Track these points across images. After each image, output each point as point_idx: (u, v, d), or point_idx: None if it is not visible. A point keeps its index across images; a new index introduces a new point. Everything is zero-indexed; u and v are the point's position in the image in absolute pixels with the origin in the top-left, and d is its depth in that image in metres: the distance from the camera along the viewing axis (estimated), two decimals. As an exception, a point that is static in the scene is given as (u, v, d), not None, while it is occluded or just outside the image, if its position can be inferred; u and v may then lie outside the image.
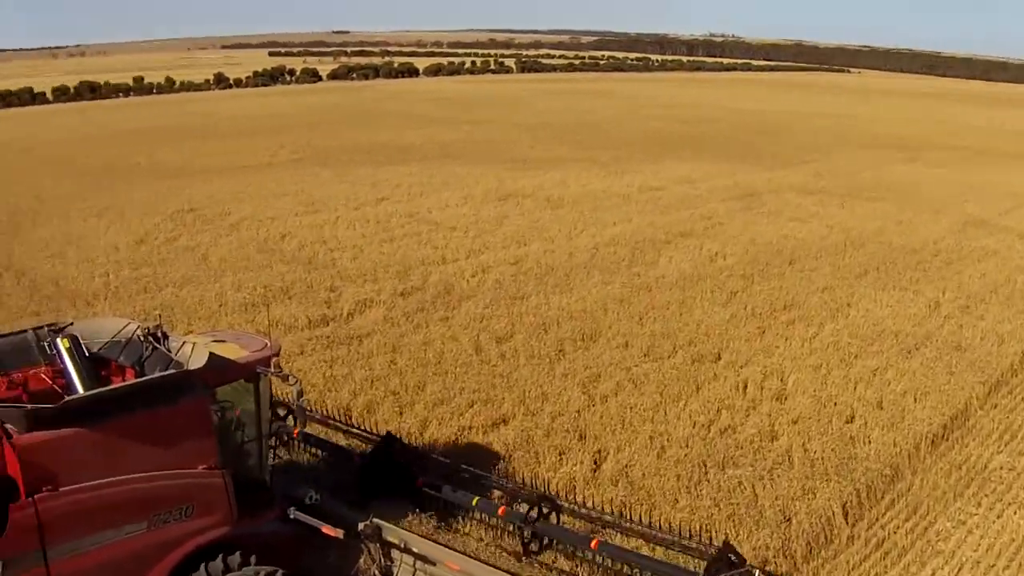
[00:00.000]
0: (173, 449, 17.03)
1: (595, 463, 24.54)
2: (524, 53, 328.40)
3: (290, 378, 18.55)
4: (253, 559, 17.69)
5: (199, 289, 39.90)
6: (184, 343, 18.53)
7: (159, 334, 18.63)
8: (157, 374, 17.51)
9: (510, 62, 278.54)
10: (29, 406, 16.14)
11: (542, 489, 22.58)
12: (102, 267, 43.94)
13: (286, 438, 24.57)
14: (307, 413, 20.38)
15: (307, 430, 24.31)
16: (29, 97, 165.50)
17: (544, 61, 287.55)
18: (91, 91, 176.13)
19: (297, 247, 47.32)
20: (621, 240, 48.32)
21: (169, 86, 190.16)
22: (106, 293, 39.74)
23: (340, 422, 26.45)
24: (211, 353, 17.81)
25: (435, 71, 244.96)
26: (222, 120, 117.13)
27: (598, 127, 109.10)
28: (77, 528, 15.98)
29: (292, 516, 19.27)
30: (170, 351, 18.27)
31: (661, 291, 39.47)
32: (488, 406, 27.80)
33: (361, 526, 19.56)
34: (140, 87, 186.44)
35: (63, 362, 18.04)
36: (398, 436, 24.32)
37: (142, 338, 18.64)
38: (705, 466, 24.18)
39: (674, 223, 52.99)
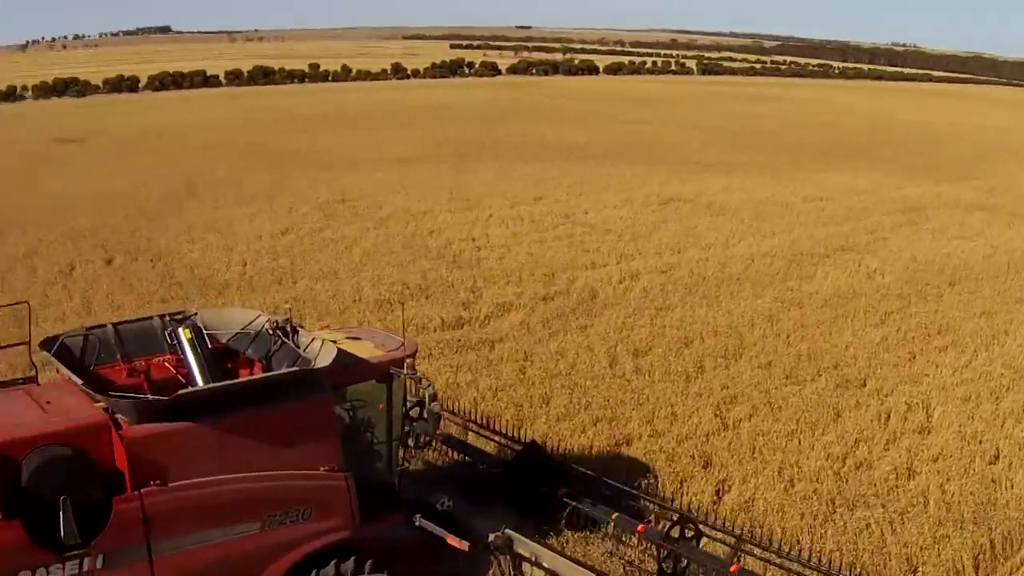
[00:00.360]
0: (293, 449, 16.50)
1: (717, 493, 22.98)
2: (705, 55, 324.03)
3: (423, 381, 17.91)
4: (368, 565, 16.93)
5: (335, 283, 39.22)
6: (314, 339, 17.99)
7: (288, 328, 18.22)
8: (278, 371, 17.26)
9: (690, 63, 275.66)
10: (140, 397, 15.95)
11: (684, 508, 21.24)
12: (240, 256, 43.86)
13: (425, 440, 23.62)
14: (440, 417, 19.19)
15: (450, 432, 23.92)
16: (201, 80, 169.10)
17: (724, 64, 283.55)
18: (264, 76, 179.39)
19: (444, 244, 46.46)
20: (778, 252, 46.26)
21: (345, 74, 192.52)
22: (239, 283, 39.44)
23: (483, 426, 25.25)
24: (339, 351, 17.21)
25: (615, 70, 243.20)
26: (391, 110, 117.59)
27: (770, 132, 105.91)
28: (185, 525, 15.53)
29: (417, 523, 18.46)
30: (298, 346, 17.91)
31: (812, 308, 37.39)
32: (612, 424, 26.23)
33: (492, 537, 18.75)
34: (315, 74, 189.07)
35: (183, 353, 17.73)
36: (541, 444, 23.43)
37: (271, 331, 18.28)
38: (834, 504, 22.35)
39: (835, 236, 50.53)
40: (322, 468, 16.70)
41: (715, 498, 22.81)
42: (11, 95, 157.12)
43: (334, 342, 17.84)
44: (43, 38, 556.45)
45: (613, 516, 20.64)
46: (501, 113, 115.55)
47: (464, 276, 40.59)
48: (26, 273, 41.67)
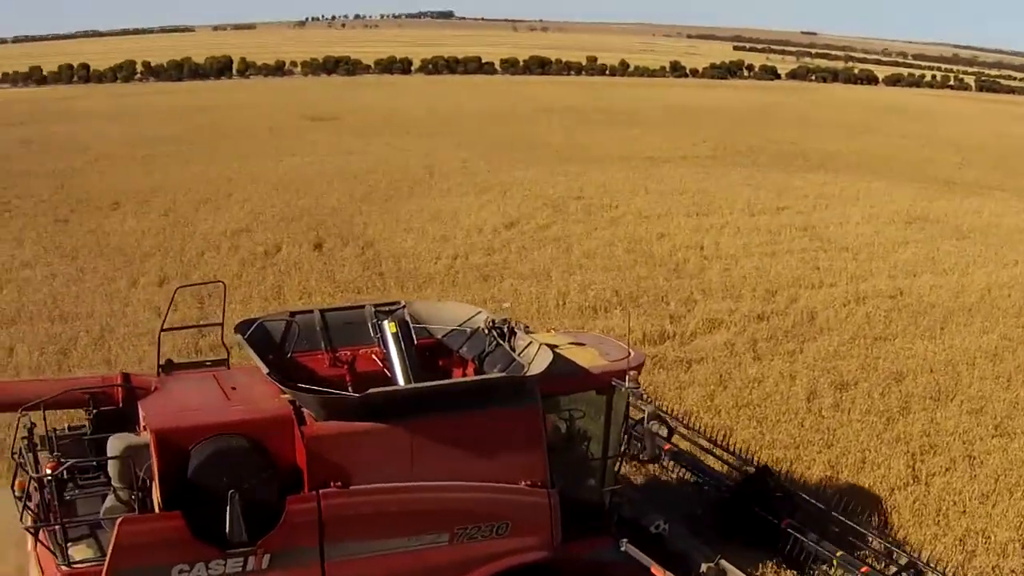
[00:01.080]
0: (493, 459, 15.59)
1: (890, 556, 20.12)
2: (985, 72, 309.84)
3: (643, 397, 17.04)
4: None
5: (543, 285, 37.50)
6: (531, 343, 16.92)
7: (506, 329, 17.35)
8: (480, 376, 16.69)
9: (968, 79, 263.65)
10: (328, 392, 15.26)
11: (916, 554, 19.28)
12: (453, 248, 42.49)
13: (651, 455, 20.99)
14: (655, 437, 17.71)
15: (680, 449, 22.54)
16: (476, 67, 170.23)
17: (1003, 82, 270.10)
18: (540, 66, 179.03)
19: (669, 250, 44.14)
20: (1017, 283, 42.11)
21: (623, 69, 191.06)
22: (442, 277, 38.19)
23: (717, 444, 23.47)
24: (555, 358, 16.16)
25: (894, 81, 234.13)
26: (653, 108, 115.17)
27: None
28: (364, 531, 14.88)
29: (623, 548, 16.92)
30: (513, 349, 17.02)
31: (1042, 351, 33.72)
32: (792, 466, 23.80)
33: (704, 568, 17.44)
34: (592, 67, 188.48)
35: (386, 347, 17.24)
36: (774, 470, 21.89)
37: (487, 331, 17.47)
38: (1016, 584, 19.51)
39: (1088, 273, 45.93)
40: (524, 482, 15.69)
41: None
42: (279, 70, 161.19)
43: (555, 347, 16.81)
44: (323, 16, 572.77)
45: (838, 554, 18.72)
46: (766, 117, 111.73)
47: (681, 287, 38.36)
48: (228, 252, 41.50)
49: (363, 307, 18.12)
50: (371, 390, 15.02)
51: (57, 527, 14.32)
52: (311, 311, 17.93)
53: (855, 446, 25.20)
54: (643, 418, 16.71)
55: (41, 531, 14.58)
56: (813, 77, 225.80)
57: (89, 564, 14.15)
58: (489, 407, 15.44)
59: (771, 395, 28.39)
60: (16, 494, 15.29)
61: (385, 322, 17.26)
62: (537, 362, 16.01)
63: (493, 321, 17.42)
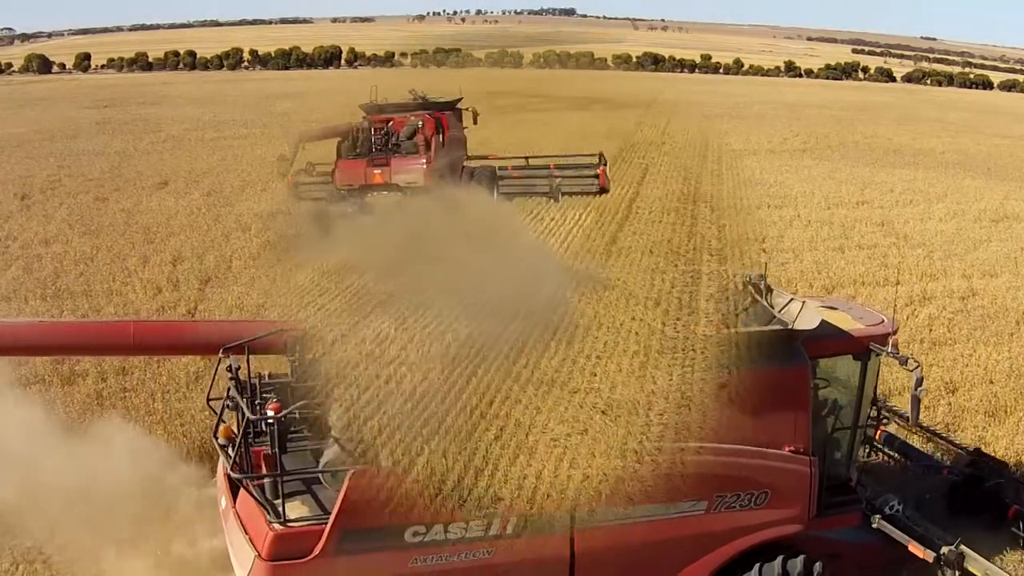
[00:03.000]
0: (760, 421, 14.18)
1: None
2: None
3: (909, 362, 15.01)
4: (817, 568, 14.40)
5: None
6: (792, 300, 16.27)
7: (762, 286, 16.52)
8: (754, 327, 15.06)
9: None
10: None
11: None
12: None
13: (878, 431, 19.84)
14: (920, 403, 15.93)
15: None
16: (587, 61, 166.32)
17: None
18: (653, 63, 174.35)
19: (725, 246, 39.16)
20: (1098, 289, 36.24)
21: (736, 68, 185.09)
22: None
23: (926, 430, 21.30)
24: (823, 319, 15.04)
25: (1009, 86, 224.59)
26: (754, 103, 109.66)
27: None
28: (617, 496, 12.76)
29: (875, 526, 15.80)
30: (772, 306, 15.94)
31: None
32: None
33: (945, 550, 15.77)
34: (706, 65, 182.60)
35: None
36: (991, 455, 20.16)
37: (741, 287, 16.70)
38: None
39: None
40: (787, 448, 14.40)
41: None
42: (388, 60, 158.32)
43: (814, 309, 15.66)
44: (443, 11, 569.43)
45: None
46: (869, 115, 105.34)
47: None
48: (255, 233, 38.29)
49: None
50: None
51: (267, 481, 12.85)
52: None
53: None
54: (916, 382, 14.90)
55: (247, 484, 13.12)
56: (928, 81, 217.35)
57: (306, 523, 12.58)
58: (760, 365, 13.92)
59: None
60: (220, 442, 13.93)
61: None
62: (803, 319, 14.94)
63: (749, 276, 16.72)
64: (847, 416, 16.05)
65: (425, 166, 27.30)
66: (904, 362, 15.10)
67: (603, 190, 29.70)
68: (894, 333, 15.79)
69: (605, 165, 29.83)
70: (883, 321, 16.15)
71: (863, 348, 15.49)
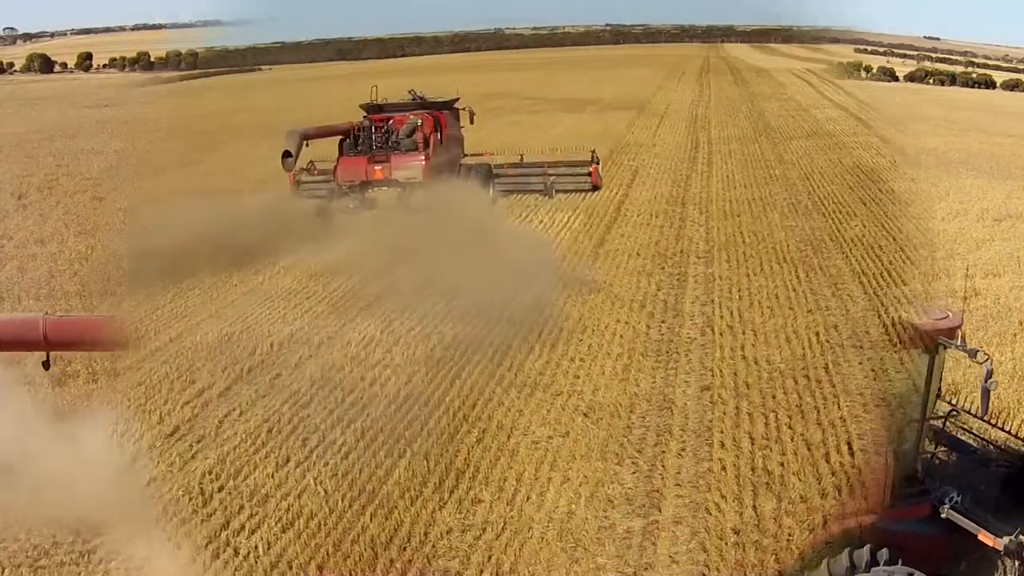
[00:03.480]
0: None
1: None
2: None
3: (979, 354, 14.98)
4: (885, 558, 14.20)
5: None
6: None
7: None
8: None
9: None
10: None
11: None
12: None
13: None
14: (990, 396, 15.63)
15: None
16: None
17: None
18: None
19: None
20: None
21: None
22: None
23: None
24: None
25: (1012, 86, 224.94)
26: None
27: None
28: None
29: (944, 515, 15.21)
30: None
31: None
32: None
33: (1006, 540, 14.96)
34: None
35: None
36: None
37: None
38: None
39: None
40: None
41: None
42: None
43: None
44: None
45: None
46: (868, 114, 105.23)
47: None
48: None
49: None
50: None
51: None
52: None
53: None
54: (986, 374, 14.88)
55: None
56: (930, 80, 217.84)
57: None
58: None
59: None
60: None
61: None
62: None
63: None
64: (916, 408, 16.35)
65: (424, 162, 28.17)
66: (973, 355, 15.21)
67: (595, 187, 30.17)
68: (959, 326, 16.15)
69: (597, 164, 30.45)
70: (948, 316, 16.44)
71: (931, 341, 15.78)
